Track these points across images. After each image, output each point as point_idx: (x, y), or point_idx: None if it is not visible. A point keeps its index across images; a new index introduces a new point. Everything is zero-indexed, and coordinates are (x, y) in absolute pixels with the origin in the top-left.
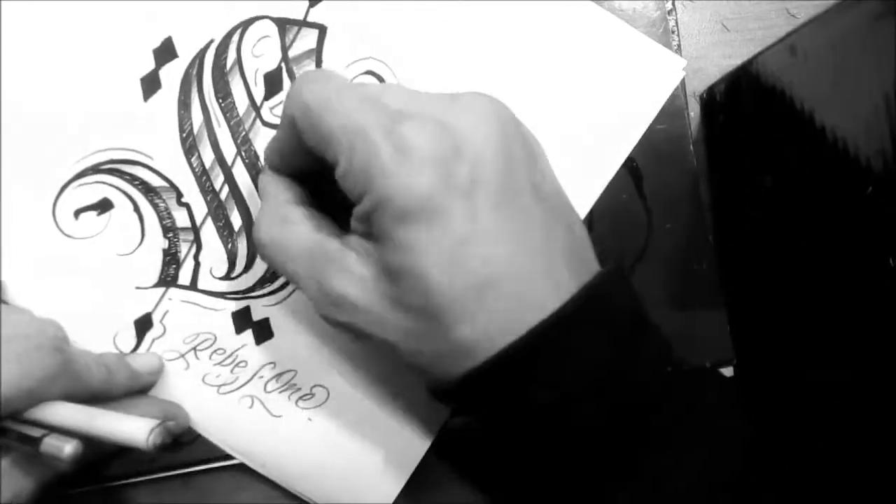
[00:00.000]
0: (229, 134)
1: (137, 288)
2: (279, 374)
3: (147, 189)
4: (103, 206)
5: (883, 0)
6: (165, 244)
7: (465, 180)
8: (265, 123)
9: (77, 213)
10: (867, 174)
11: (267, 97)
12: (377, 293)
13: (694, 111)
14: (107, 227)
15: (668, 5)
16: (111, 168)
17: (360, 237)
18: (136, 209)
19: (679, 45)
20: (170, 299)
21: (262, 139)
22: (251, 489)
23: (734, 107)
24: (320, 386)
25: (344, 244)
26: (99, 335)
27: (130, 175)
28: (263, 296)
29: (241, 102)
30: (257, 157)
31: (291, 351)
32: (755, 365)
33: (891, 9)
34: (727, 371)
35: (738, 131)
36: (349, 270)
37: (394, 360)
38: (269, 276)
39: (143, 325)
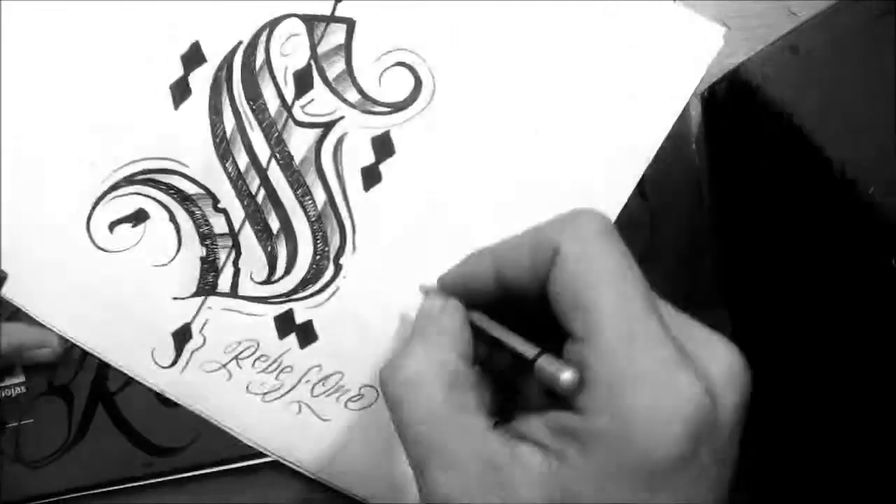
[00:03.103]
0: (262, 136)
1: (175, 299)
2: (326, 377)
3: (183, 197)
4: (138, 217)
5: None
6: (203, 252)
7: (707, 459)
8: (297, 123)
9: (112, 227)
10: (869, 173)
11: (297, 96)
12: None
13: (695, 110)
14: (142, 239)
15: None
16: (145, 178)
17: (535, 448)
18: (172, 218)
19: None
20: (209, 308)
21: (296, 139)
22: (247, 493)
23: (736, 105)
24: (369, 386)
25: (511, 444)
26: (136, 350)
27: (166, 184)
28: (306, 297)
29: (273, 103)
30: (291, 158)
31: (337, 353)
32: (757, 365)
33: (891, 8)
34: None
35: (740, 130)
36: (516, 490)
37: None
38: (311, 277)
39: (182, 336)
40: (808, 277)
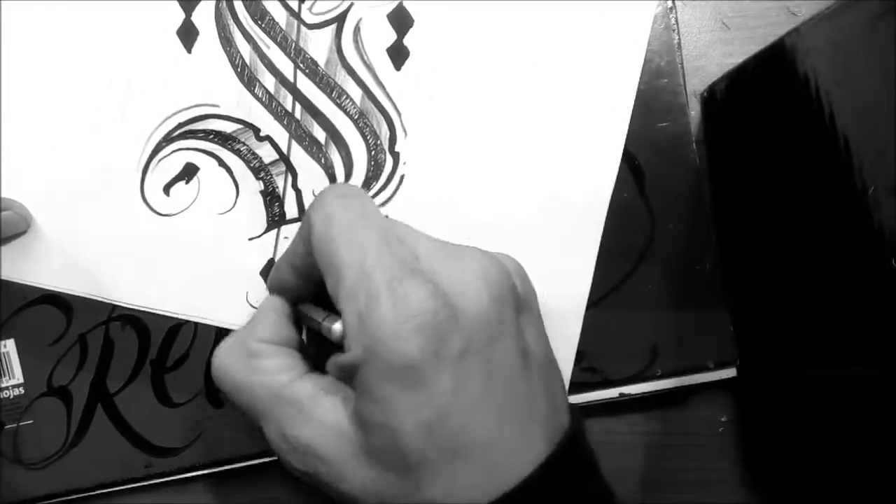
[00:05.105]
0: (280, 51)
1: (251, 239)
2: None
3: (224, 138)
4: (188, 172)
5: None
6: (261, 185)
7: (456, 351)
8: (310, 26)
9: (166, 190)
10: (869, 174)
11: None
12: (347, 444)
13: (695, 110)
14: (200, 192)
15: (669, 3)
16: (183, 132)
17: (337, 380)
18: (221, 163)
19: (679, 43)
20: (286, 237)
21: (314, 43)
22: (247, 493)
23: (735, 106)
24: None
25: (316, 387)
26: (230, 301)
27: (203, 131)
28: (374, 196)
29: (280, 15)
30: (315, 63)
31: None
32: (757, 365)
33: (892, 7)
34: (729, 372)
35: (739, 130)
36: (319, 420)
37: None
38: (372, 175)
39: (269, 271)
40: (808, 277)
